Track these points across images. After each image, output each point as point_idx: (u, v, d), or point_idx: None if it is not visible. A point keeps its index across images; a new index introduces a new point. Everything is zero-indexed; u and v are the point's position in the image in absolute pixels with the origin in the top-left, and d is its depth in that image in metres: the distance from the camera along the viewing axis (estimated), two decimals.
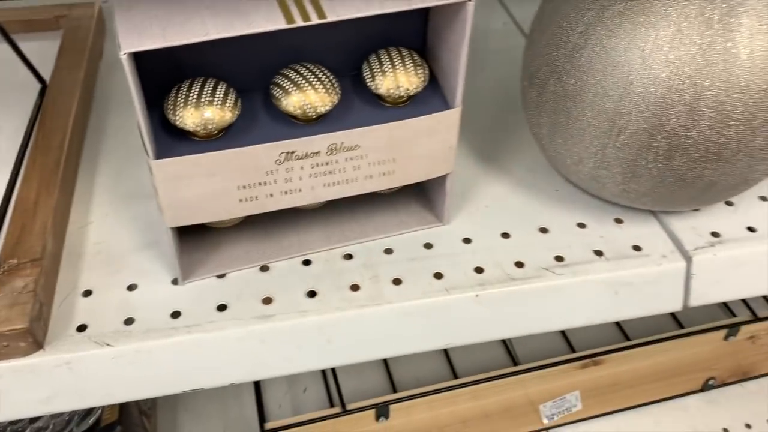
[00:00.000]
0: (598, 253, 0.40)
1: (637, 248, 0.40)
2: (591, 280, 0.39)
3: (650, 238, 0.41)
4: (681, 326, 0.69)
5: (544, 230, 0.42)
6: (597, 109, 0.36)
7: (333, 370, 0.62)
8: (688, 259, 0.40)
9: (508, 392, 0.61)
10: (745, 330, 0.63)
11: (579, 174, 0.40)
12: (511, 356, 0.67)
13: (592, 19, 0.36)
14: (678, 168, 0.36)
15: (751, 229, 0.42)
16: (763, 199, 0.44)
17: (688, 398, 0.68)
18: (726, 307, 0.72)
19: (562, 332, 0.70)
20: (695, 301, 0.41)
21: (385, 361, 0.68)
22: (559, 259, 0.40)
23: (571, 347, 0.68)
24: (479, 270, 0.39)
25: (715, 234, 0.41)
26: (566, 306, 0.40)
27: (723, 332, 0.62)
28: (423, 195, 0.43)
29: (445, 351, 0.69)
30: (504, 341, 0.69)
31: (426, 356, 0.68)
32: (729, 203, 0.43)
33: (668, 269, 0.40)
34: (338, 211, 0.42)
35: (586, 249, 0.40)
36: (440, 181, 0.40)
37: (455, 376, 0.66)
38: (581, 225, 0.42)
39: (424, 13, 0.37)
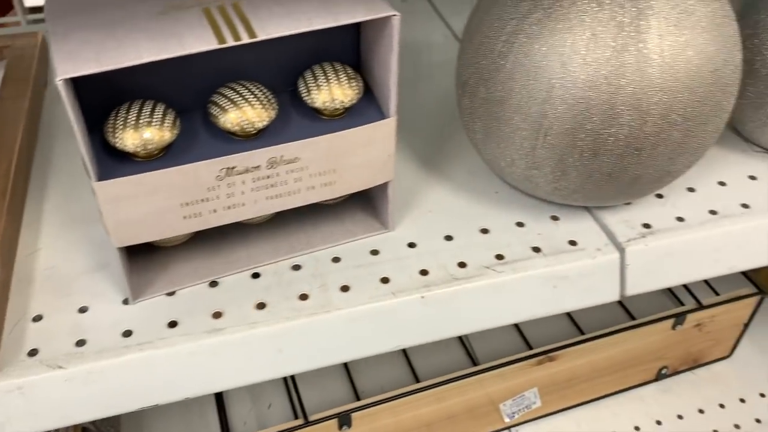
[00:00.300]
0: (536, 249, 0.42)
1: (572, 243, 0.42)
2: (530, 275, 0.41)
3: (585, 233, 0.43)
4: (633, 318, 0.71)
5: (485, 231, 0.43)
6: (524, 113, 0.38)
7: (294, 382, 0.62)
8: (622, 250, 0.42)
9: (469, 393, 0.62)
10: (691, 318, 0.66)
11: (513, 175, 0.42)
12: (471, 357, 0.69)
13: (514, 28, 0.38)
14: (603, 164, 0.38)
15: (680, 219, 0.44)
16: (690, 190, 0.46)
17: (643, 388, 0.70)
18: (675, 296, 0.75)
19: (519, 330, 0.72)
20: (631, 290, 0.43)
21: (348, 371, 0.68)
22: (499, 257, 0.42)
23: (528, 344, 0.70)
24: (424, 272, 0.41)
25: (646, 225, 0.43)
26: (508, 302, 0.41)
27: (670, 322, 0.65)
28: (368, 203, 0.44)
29: (406, 356, 0.70)
30: (463, 342, 0.71)
31: (388, 363, 0.69)
32: (659, 196, 0.46)
33: (603, 261, 0.42)
34: (285, 224, 0.43)
35: (525, 246, 0.42)
36: (382, 189, 0.41)
37: (417, 381, 0.67)
38: (520, 224, 0.44)
39: (356, 27, 0.39)
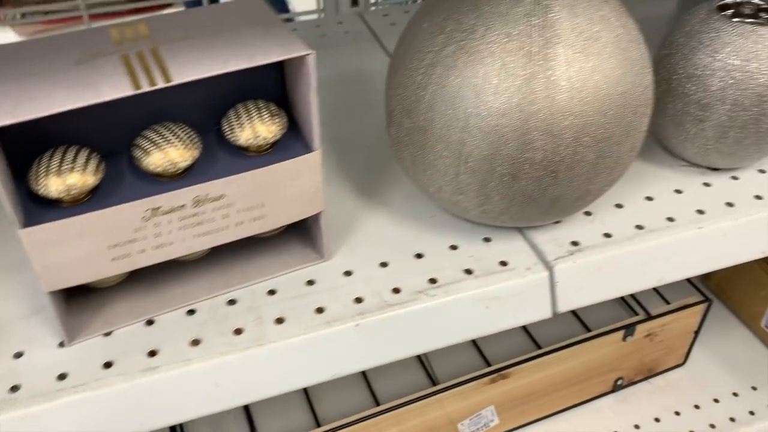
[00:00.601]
0: (468, 271, 0.43)
1: (503, 263, 0.43)
2: (462, 297, 0.42)
3: (515, 253, 0.44)
4: (589, 330, 0.73)
5: (419, 255, 0.44)
6: (445, 141, 0.39)
7: (249, 412, 0.62)
8: (550, 268, 0.43)
9: (428, 413, 0.63)
10: (641, 329, 0.67)
11: (442, 201, 0.43)
12: (430, 377, 0.69)
13: (431, 61, 0.39)
14: (523, 187, 0.40)
15: (607, 235, 0.45)
16: (618, 206, 0.48)
17: (600, 400, 0.71)
18: (629, 307, 0.76)
19: (477, 348, 0.73)
20: (563, 307, 0.44)
21: (308, 397, 0.69)
22: (432, 281, 0.42)
23: (487, 362, 0.71)
24: (359, 300, 0.41)
25: (574, 243, 0.45)
26: (441, 325, 0.42)
27: (621, 333, 0.66)
28: (305, 234, 0.45)
29: (366, 379, 0.70)
30: (422, 362, 0.71)
31: (347, 386, 0.69)
32: (588, 213, 0.47)
33: (532, 280, 0.43)
34: (221, 259, 0.43)
35: (457, 269, 0.43)
36: (316, 219, 0.42)
37: (377, 403, 0.68)
38: (453, 247, 0.45)
39: (280, 65, 0.40)
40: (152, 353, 0.38)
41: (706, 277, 0.83)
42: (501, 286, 0.42)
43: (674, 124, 0.48)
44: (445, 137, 0.39)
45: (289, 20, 0.87)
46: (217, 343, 0.39)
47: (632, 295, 0.73)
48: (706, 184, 0.49)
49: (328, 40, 0.69)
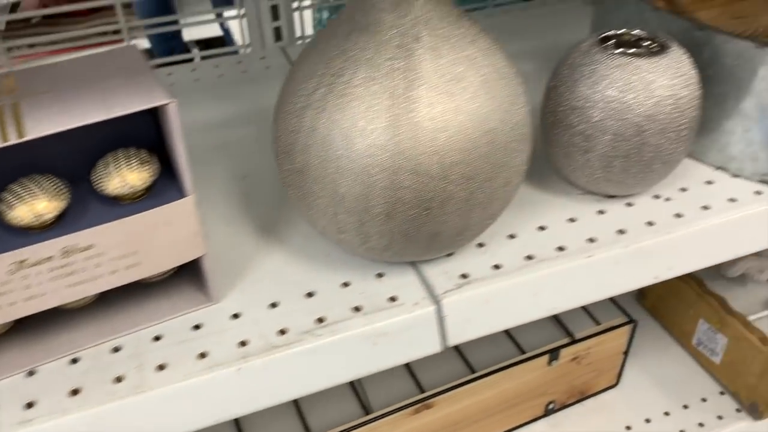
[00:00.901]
0: (357, 309, 0.43)
1: (393, 299, 0.44)
2: (349, 335, 0.42)
3: (406, 288, 0.44)
4: (523, 352, 0.73)
5: (310, 294, 0.45)
6: (321, 182, 0.40)
7: None
8: (437, 302, 0.43)
9: None
10: (566, 353, 0.67)
11: (329, 239, 0.44)
12: (363, 406, 0.69)
13: (303, 104, 0.40)
14: (398, 225, 0.40)
15: (496, 267, 0.46)
16: (511, 237, 0.48)
17: (533, 425, 0.71)
18: (563, 327, 0.76)
19: (412, 374, 0.72)
20: (453, 340, 0.45)
21: (239, 429, 0.68)
22: (320, 320, 0.43)
23: (421, 388, 0.70)
24: (243, 343, 0.41)
25: (464, 275, 0.45)
26: (326, 364, 0.42)
27: (545, 358, 0.66)
28: (195, 276, 0.45)
29: (299, 410, 0.70)
30: (356, 391, 0.71)
31: (280, 418, 0.69)
32: (480, 245, 0.48)
33: (420, 315, 0.43)
34: (109, 305, 0.43)
35: (346, 307, 0.43)
36: (201, 262, 0.42)
37: None
38: (345, 284, 0.45)
39: (155, 111, 0.40)
40: (29, 405, 0.38)
41: (641, 297, 0.83)
42: (389, 323, 0.43)
43: (563, 155, 0.49)
44: (321, 179, 0.40)
45: (234, 53, 0.87)
46: (96, 393, 0.39)
47: (556, 317, 0.73)
48: (600, 212, 0.50)
49: (248, 76, 0.70)
